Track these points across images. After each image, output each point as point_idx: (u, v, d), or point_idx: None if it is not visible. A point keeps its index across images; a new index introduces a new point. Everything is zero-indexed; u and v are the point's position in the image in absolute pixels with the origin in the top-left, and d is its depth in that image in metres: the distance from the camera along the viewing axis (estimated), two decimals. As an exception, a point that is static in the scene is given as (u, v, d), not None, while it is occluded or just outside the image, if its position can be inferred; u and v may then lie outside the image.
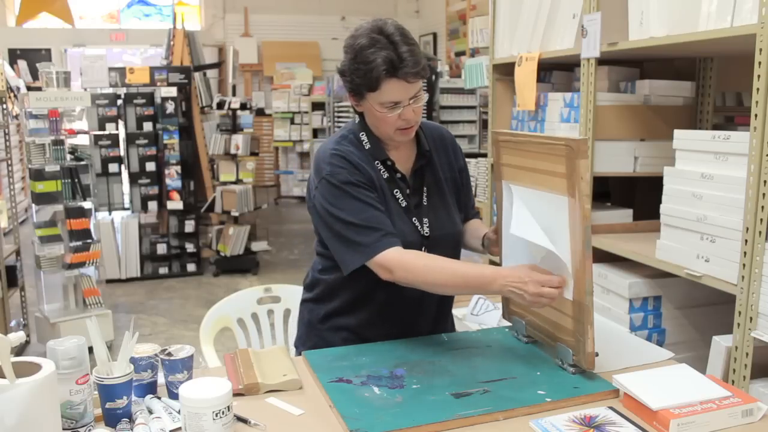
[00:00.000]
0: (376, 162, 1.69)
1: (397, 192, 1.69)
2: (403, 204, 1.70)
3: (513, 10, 2.99)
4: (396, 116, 1.60)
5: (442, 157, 1.80)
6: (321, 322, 1.78)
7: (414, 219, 1.70)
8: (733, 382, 1.83)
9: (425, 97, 1.64)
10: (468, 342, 1.70)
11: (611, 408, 1.34)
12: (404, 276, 1.56)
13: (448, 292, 1.72)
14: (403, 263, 1.55)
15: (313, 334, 1.80)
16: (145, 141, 5.83)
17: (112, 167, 5.85)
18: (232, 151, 5.99)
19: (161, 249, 5.95)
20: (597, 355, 1.45)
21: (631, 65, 2.70)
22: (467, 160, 4.62)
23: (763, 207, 1.73)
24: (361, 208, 1.59)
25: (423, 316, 1.76)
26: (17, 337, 1.19)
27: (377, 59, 1.52)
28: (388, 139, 1.68)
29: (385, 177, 1.69)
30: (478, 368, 1.53)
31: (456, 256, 1.79)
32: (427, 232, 1.70)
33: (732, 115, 2.84)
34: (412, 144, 1.75)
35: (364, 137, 1.70)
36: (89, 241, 4.07)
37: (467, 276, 1.55)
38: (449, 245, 1.75)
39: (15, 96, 7.37)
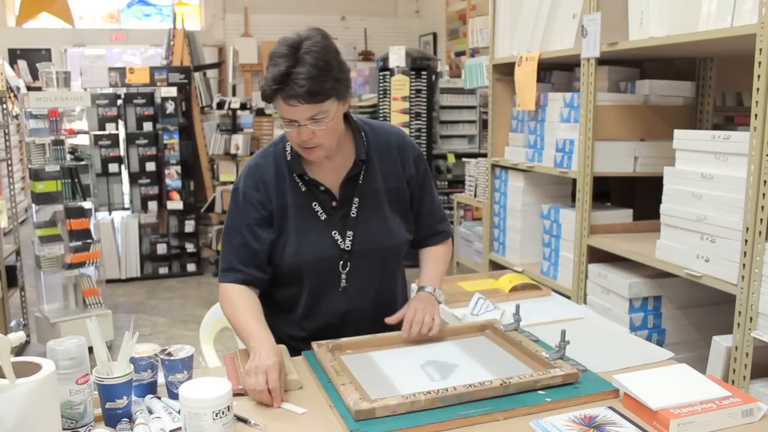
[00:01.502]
0: (294, 175, 1.65)
1: (315, 205, 1.65)
2: (323, 217, 1.65)
3: (513, 10, 2.99)
4: (295, 133, 1.53)
5: (384, 166, 1.71)
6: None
7: (334, 232, 1.65)
8: (733, 382, 1.83)
9: (332, 121, 1.53)
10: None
11: (611, 408, 1.34)
12: (221, 307, 1.69)
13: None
14: (221, 296, 1.67)
15: None
16: (145, 141, 5.82)
17: (112, 167, 5.86)
18: (232, 151, 5.99)
19: (161, 249, 5.95)
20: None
21: (631, 65, 2.70)
22: (467, 160, 4.62)
23: (763, 207, 1.73)
24: (231, 223, 1.68)
25: (348, 326, 1.70)
26: (17, 337, 1.19)
27: (269, 74, 1.47)
28: (300, 153, 1.61)
29: (303, 190, 1.65)
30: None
31: (390, 269, 1.74)
32: (348, 246, 1.65)
33: (732, 115, 2.85)
34: (349, 153, 1.68)
35: (288, 148, 1.67)
36: (89, 241, 4.07)
37: (240, 326, 1.58)
38: (377, 259, 1.70)
39: (15, 96, 7.37)
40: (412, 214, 1.77)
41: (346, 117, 1.68)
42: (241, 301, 1.62)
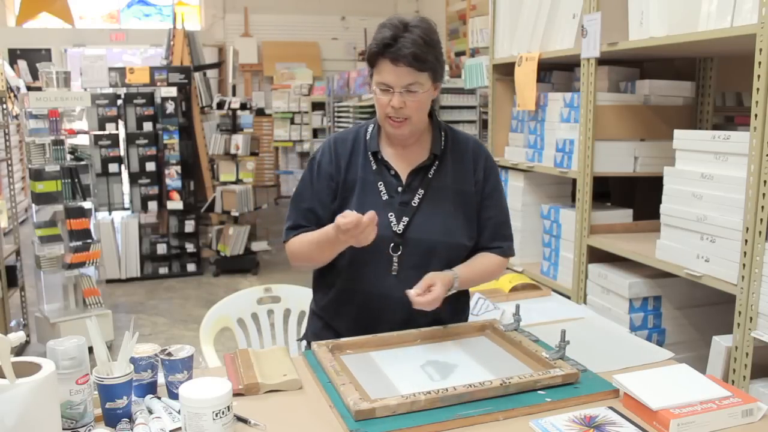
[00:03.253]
0: (369, 153, 1.73)
1: (381, 185, 1.71)
2: (384, 197, 1.70)
3: (513, 10, 2.99)
4: (387, 100, 1.62)
5: (457, 167, 1.76)
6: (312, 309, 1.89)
7: (391, 214, 1.69)
8: (733, 382, 1.83)
9: (425, 95, 1.63)
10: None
11: (611, 408, 1.34)
12: (293, 262, 1.76)
13: (319, 261, 1.74)
14: (288, 251, 1.75)
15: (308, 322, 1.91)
16: (145, 141, 5.82)
17: (112, 167, 5.85)
18: (232, 151, 5.99)
19: (161, 249, 5.95)
20: None
21: (631, 65, 2.70)
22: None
23: (763, 207, 1.73)
24: (303, 188, 1.77)
25: (390, 310, 1.71)
26: (17, 337, 1.19)
27: (378, 36, 1.60)
28: (384, 127, 1.70)
29: (374, 168, 1.72)
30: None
31: (435, 266, 1.70)
32: (400, 230, 1.69)
33: (732, 115, 2.85)
34: (426, 146, 1.75)
35: (370, 128, 1.77)
36: (89, 241, 4.07)
37: (316, 240, 1.66)
38: (424, 251, 1.70)
39: (15, 96, 7.37)
40: (477, 222, 1.78)
41: (430, 114, 1.77)
42: (305, 235, 1.71)
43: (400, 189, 1.71)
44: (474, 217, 1.77)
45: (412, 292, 1.58)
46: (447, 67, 7.71)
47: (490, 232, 1.79)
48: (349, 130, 1.81)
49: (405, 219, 1.69)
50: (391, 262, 1.70)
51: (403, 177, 1.72)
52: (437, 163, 1.74)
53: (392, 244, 1.69)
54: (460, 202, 1.75)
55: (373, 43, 1.61)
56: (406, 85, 1.60)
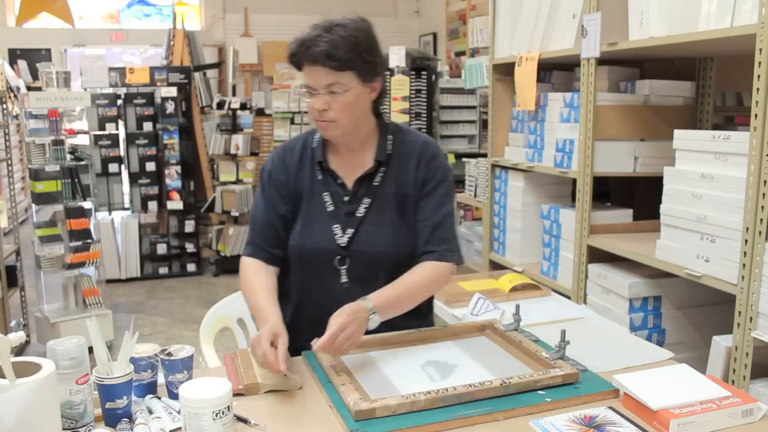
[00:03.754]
0: (315, 162, 1.70)
1: (326, 195, 1.68)
2: (329, 209, 1.67)
3: (513, 10, 2.99)
4: (312, 103, 1.58)
5: (403, 173, 1.69)
6: None
7: (336, 226, 1.65)
8: (733, 382, 1.83)
9: (350, 96, 1.56)
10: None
11: (611, 408, 1.34)
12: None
13: None
14: (240, 268, 1.72)
15: None
16: (145, 141, 5.82)
17: (112, 167, 5.86)
18: (232, 151, 5.99)
19: (161, 249, 5.94)
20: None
21: (631, 65, 2.70)
22: (467, 160, 4.62)
23: (763, 207, 1.73)
24: (257, 201, 1.75)
25: None
26: (17, 337, 1.19)
27: (299, 36, 1.56)
28: (317, 128, 1.66)
29: (319, 178, 1.69)
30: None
31: (385, 277, 1.63)
32: (344, 243, 1.65)
33: (732, 115, 2.85)
34: (372, 152, 1.69)
35: (317, 136, 1.73)
36: (89, 241, 4.07)
37: (252, 301, 1.63)
38: (371, 263, 1.65)
39: (15, 96, 7.37)
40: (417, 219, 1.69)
41: (379, 116, 1.72)
42: (253, 278, 1.67)
43: (346, 198, 1.67)
44: (410, 217, 1.70)
45: (317, 344, 1.44)
46: (447, 67, 7.70)
47: (425, 236, 1.67)
48: (297, 139, 1.77)
49: (350, 231, 1.65)
50: (339, 274, 1.67)
51: (350, 185, 1.68)
52: (383, 169, 1.68)
53: (338, 257, 1.66)
54: (403, 208, 1.68)
55: (292, 44, 1.57)
56: (326, 86, 1.54)
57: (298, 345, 1.64)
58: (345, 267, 1.67)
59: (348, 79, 1.55)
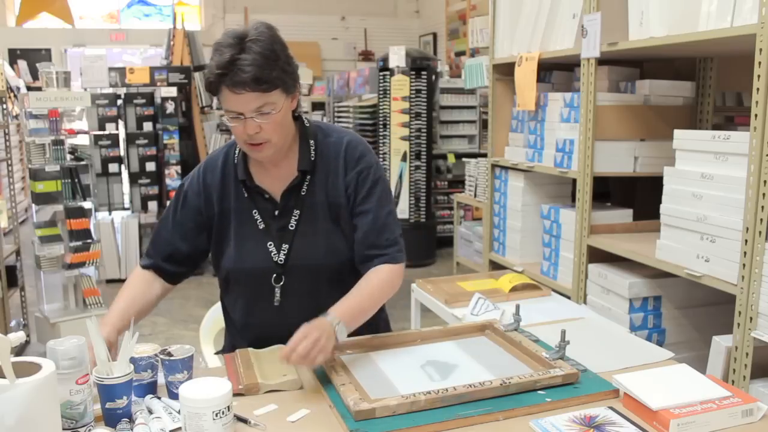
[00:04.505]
0: (239, 180, 1.62)
1: (255, 213, 1.61)
2: (261, 226, 1.61)
3: (513, 10, 2.99)
4: (241, 128, 1.47)
5: (330, 178, 1.61)
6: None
7: (270, 243, 1.60)
8: (733, 382, 1.83)
9: (280, 114, 1.49)
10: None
11: (611, 408, 1.34)
12: None
13: None
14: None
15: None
16: (145, 141, 5.82)
17: (112, 167, 5.85)
18: (232, 151, 5.98)
19: (161, 249, 5.94)
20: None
21: (631, 65, 2.70)
22: (467, 160, 4.60)
23: (763, 207, 1.73)
24: (166, 216, 1.69)
25: (276, 340, 1.55)
26: (17, 337, 1.19)
27: (213, 62, 1.43)
28: (248, 153, 1.57)
29: (246, 196, 1.62)
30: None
31: (324, 288, 1.61)
32: (281, 260, 1.60)
33: (732, 115, 2.85)
34: (294, 160, 1.61)
35: (237, 151, 1.64)
36: (89, 241, 4.07)
37: (117, 298, 1.62)
38: (313, 276, 1.61)
39: (15, 96, 7.37)
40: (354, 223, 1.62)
41: (298, 120, 1.63)
42: (129, 285, 1.66)
43: (276, 213, 1.60)
44: (350, 229, 1.63)
45: (291, 361, 1.38)
46: (447, 67, 7.70)
47: (371, 240, 1.60)
48: (218, 154, 1.67)
49: (285, 246, 1.60)
50: (273, 293, 1.62)
51: (278, 199, 1.61)
52: (309, 177, 1.61)
53: (274, 275, 1.60)
54: (336, 216, 1.62)
55: (208, 72, 1.45)
56: (256, 109, 1.44)
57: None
58: (280, 285, 1.61)
59: (276, 97, 1.46)
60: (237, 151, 1.64)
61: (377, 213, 1.61)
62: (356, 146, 1.64)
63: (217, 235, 1.65)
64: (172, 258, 1.68)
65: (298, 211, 1.60)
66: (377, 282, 1.58)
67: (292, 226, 1.60)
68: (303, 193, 1.61)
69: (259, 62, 1.41)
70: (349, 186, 1.61)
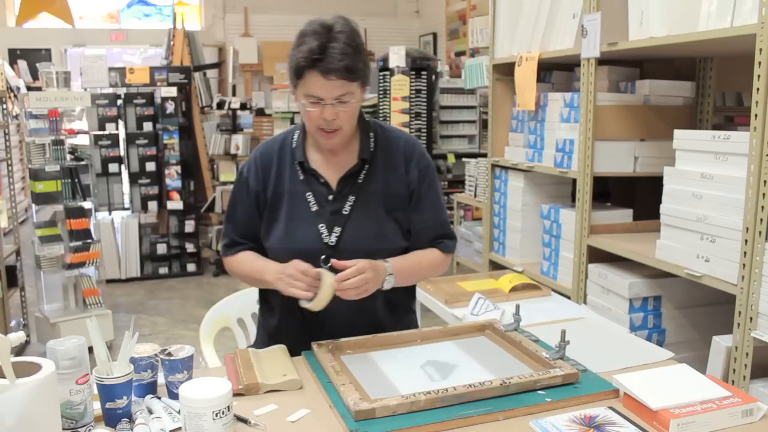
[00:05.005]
0: (295, 162, 1.68)
1: (309, 195, 1.66)
2: (314, 208, 1.66)
3: (513, 10, 2.99)
4: (318, 113, 1.55)
5: (389, 170, 1.69)
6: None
7: (321, 225, 1.64)
8: (733, 382, 1.83)
9: (356, 104, 1.58)
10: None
11: (611, 408, 1.34)
12: (231, 273, 1.78)
13: (252, 284, 1.79)
14: (228, 269, 1.78)
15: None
16: (145, 141, 5.82)
17: (112, 167, 5.85)
18: (232, 151, 5.99)
19: (161, 249, 5.94)
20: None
21: (631, 65, 2.70)
22: (467, 160, 4.62)
23: (763, 207, 1.73)
24: (234, 205, 1.76)
25: (328, 321, 1.64)
26: (17, 337, 1.19)
27: (304, 47, 1.51)
28: (316, 139, 1.65)
29: (301, 178, 1.68)
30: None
31: None
32: (333, 242, 1.64)
33: (732, 115, 2.85)
34: (354, 151, 1.68)
35: (296, 135, 1.72)
36: (89, 241, 4.07)
37: (251, 273, 1.69)
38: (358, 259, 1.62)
39: (15, 96, 7.37)
40: (410, 225, 1.71)
41: (359, 115, 1.70)
42: (245, 257, 1.72)
43: (330, 197, 1.66)
44: (407, 219, 1.70)
45: (337, 277, 1.51)
46: (447, 67, 7.71)
47: (430, 234, 1.73)
48: (274, 140, 1.76)
49: (337, 229, 1.64)
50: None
51: (333, 184, 1.67)
52: (367, 167, 1.68)
53: (323, 257, 1.61)
54: (392, 205, 1.68)
55: (299, 55, 1.51)
56: (337, 97, 1.53)
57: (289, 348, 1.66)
58: (328, 266, 1.62)
59: (356, 87, 1.56)
60: (296, 136, 1.72)
61: (439, 209, 1.75)
62: (415, 145, 1.76)
63: (269, 215, 1.70)
64: (251, 236, 1.74)
65: (353, 197, 1.66)
66: (431, 258, 1.73)
67: (346, 211, 1.66)
68: (360, 181, 1.68)
69: (349, 52, 1.50)
70: (411, 181, 1.70)
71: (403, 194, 1.70)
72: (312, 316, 1.57)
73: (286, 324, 1.73)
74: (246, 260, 1.72)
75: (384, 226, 1.67)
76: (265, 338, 1.80)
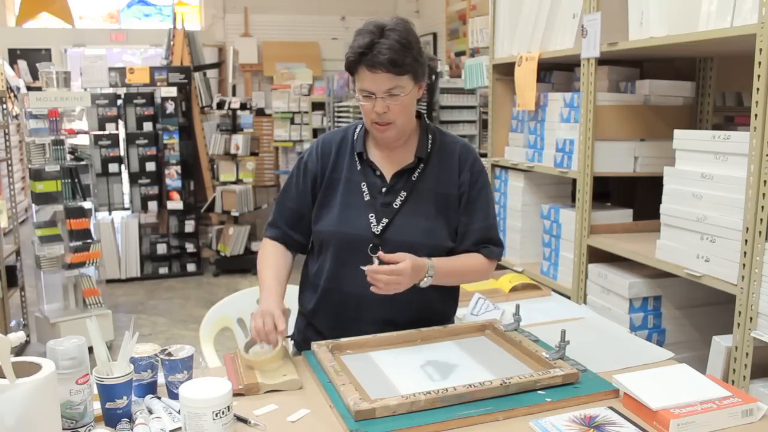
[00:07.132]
0: (355, 152, 1.76)
1: (364, 185, 1.73)
2: (366, 198, 1.72)
3: (513, 10, 2.99)
4: (371, 107, 1.63)
5: (442, 171, 1.76)
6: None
7: (371, 215, 1.70)
8: (733, 382, 1.83)
9: (407, 98, 1.64)
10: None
11: (611, 408, 1.34)
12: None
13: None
14: (260, 249, 1.83)
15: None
16: (145, 141, 5.83)
17: (112, 167, 5.86)
18: (232, 151, 5.99)
19: (161, 249, 5.95)
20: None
21: (631, 65, 2.70)
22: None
23: (763, 207, 1.73)
24: (288, 187, 1.82)
25: (367, 309, 1.70)
26: (17, 337, 1.19)
27: (355, 44, 1.60)
28: (372, 132, 1.72)
29: (358, 168, 1.75)
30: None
31: None
32: (378, 231, 1.69)
33: (732, 115, 2.85)
34: (412, 149, 1.75)
35: (358, 129, 1.80)
36: (89, 241, 4.07)
37: (263, 272, 1.75)
38: (403, 251, 1.64)
39: (15, 96, 7.37)
40: (459, 227, 1.76)
41: (419, 116, 1.79)
42: (270, 256, 1.78)
43: (383, 190, 1.73)
44: (455, 220, 1.76)
45: (370, 267, 1.56)
46: (447, 67, 7.71)
47: (477, 237, 1.77)
48: (338, 131, 1.84)
49: (385, 220, 1.70)
50: (369, 262, 1.67)
51: (388, 178, 1.74)
52: (422, 165, 1.74)
53: (371, 245, 1.67)
54: (442, 205, 1.74)
55: (350, 52, 1.62)
56: (387, 90, 1.61)
57: (318, 330, 1.75)
58: (377, 257, 1.67)
59: (406, 81, 1.62)
60: (358, 129, 1.80)
61: (489, 214, 1.79)
62: (470, 150, 1.82)
63: (322, 199, 1.76)
64: (297, 226, 1.80)
65: (405, 193, 1.72)
66: (475, 264, 1.77)
67: (396, 205, 1.72)
68: (414, 178, 1.73)
69: (396, 48, 1.57)
70: (462, 184, 1.76)
71: (454, 195, 1.76)
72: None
73: (324, 302, 1.77)
74: (266, 259, 1.78)
75: (431, 224, 1.73)
76: (302, 325, 1.86)
